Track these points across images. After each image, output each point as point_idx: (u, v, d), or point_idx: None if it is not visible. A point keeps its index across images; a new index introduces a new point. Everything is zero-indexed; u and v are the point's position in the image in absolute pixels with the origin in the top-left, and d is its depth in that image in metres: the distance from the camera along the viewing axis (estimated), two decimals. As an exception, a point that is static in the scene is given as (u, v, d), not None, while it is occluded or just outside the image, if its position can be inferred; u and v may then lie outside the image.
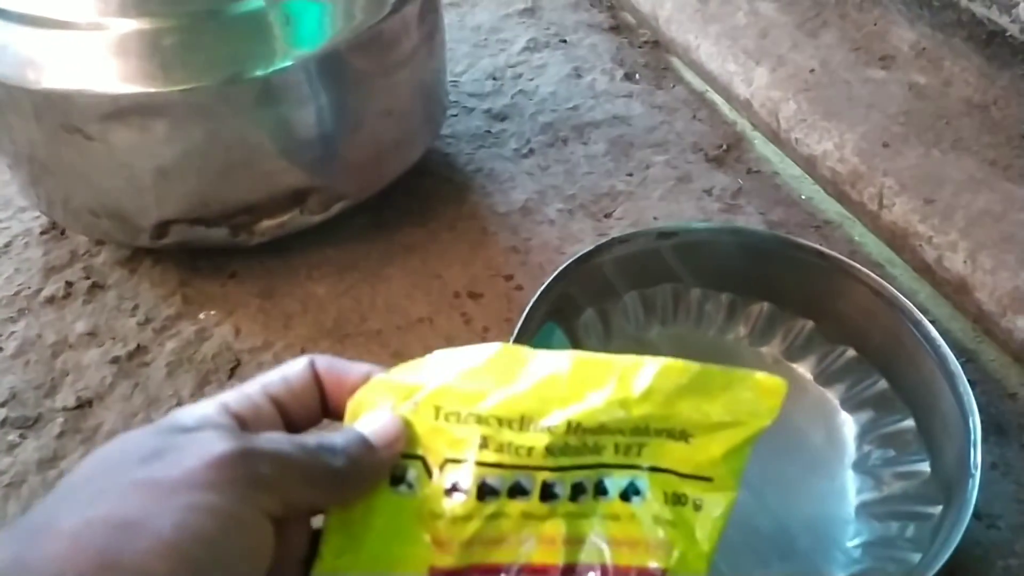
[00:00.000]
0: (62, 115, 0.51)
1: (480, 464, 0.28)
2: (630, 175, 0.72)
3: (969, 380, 0.45)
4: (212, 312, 0.60)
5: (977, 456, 0.42)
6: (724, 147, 0.75)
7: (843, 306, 0.52)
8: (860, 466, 0.49)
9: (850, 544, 0.46)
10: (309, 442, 0.27)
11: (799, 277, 0.54)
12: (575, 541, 0.29)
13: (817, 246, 0.54)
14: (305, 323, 0.60)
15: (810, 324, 0.54)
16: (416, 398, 0.29)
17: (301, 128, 0.55)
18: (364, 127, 0.58)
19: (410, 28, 0.58)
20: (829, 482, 0.49)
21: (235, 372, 0.56)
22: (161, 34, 0.49)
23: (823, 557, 0.46)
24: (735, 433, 0.30)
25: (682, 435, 0.30)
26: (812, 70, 0.72)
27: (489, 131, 0.77)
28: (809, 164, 0.69)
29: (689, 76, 0.85)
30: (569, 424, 0.29)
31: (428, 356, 0.30)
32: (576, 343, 0.52)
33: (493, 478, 0.29)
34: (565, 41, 0.89)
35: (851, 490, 0.49)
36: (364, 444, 0.28)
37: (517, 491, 0.29)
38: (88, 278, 0.62)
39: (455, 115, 0.78)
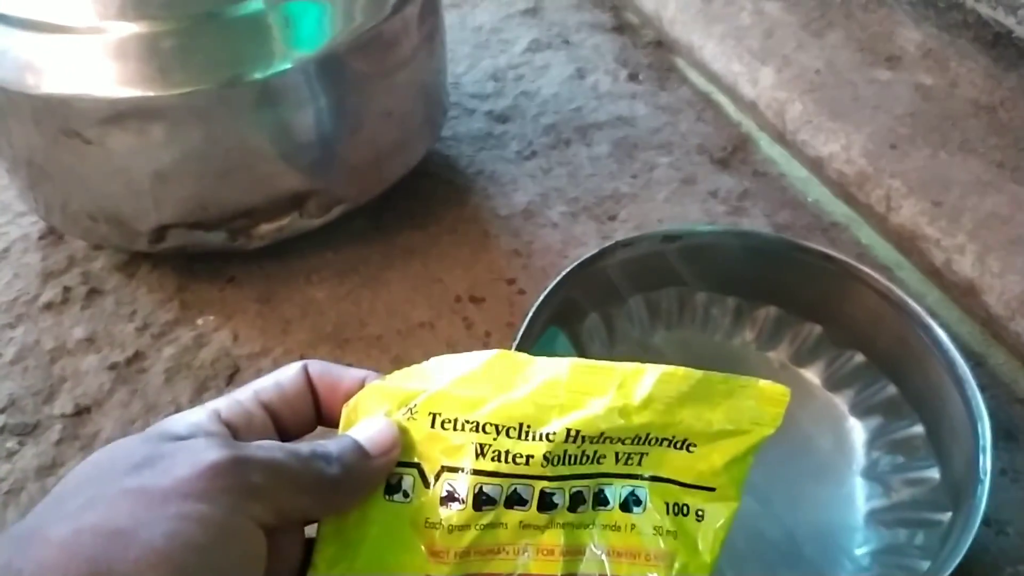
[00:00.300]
0: (61, 119, 0.50)
1: (477, 472, 0.28)
2: (634, 177, 0.71)
3: (978, 384, 0.45)
4: (210, 317, 0.60)
5: (986, 462, 0.42)
6: (729, 149, 0.75)
7: (851, 310, 0.52)
8: (868, 473, 0.49)
9: (858, 551, 0.46)
10: (302, 450, 0.26)
11: (806, 281, 0.53)
12: (574, 551, 0.29)
13: (824, 249, 0.53)
14: (304, 328, 0.59)
15: (817, 328, 0.53)
16: (412, 405, 0.29)
17: (300, 131, 0.54)
18: (364, 129, 0.58)
19: (410, 29, 0.57)
20: (837, 489, 0.49)
21: (234, 378, 0.56)
22: (160, 37, 0.49)
23: (831, 564, 0.45)
24: (737, 442, 0.30)
25: (683, 444, 0.30)
26: (818, 71, 0.72)
27: (491, 133, 0.76)
28: (816, 166, 0.69)
29: (694, 77, 0.84)
30: (568, 432, 0.28)
31: (425, 362, 0.30)
32: (580, 348, 0.52)
33: (490, 487, 0.28)
34: (568, 42, 0.88)
35: (859, 497, 0.48)
36: (359, 452, 0.27)
37: (515, 500, 0.29)
38: (86, 283, 0.62)
39: (456, 117, 0.77)
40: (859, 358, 0.52)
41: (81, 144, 0.51)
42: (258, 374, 0.55)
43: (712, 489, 0.30)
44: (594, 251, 0.52)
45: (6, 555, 0.22)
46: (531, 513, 0.29)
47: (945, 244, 0.58)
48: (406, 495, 0.28)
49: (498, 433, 0.28)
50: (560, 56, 0.86)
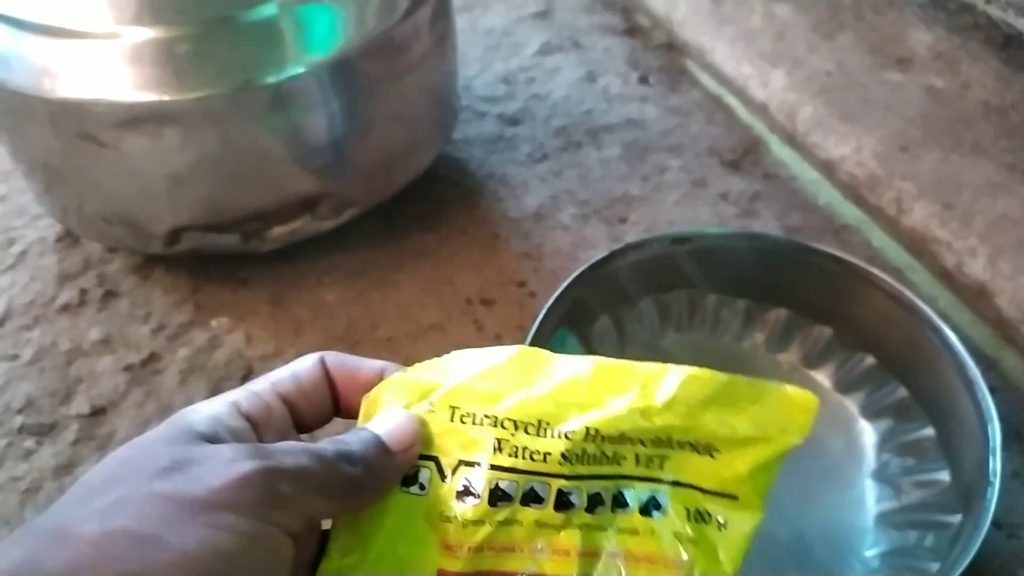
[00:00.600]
0: (77, 123, 0.51)
1: (494, 468, 0.28)
2: (645, 180, 0.72)
3: (989, 387, 0.45)
4: (224, 319, 0.60)
5: (996, 464, 0.42)
6: (740, 151, 0.75)
7: (861, 312, 0.52)
8: (879, 475, 0.49)
9: (868, 553, 0.46)
10: (327, 452, 0.26)
11: (817, 283, 0.53)
12: (590, 553, 0.29)
13: (835, 251, 0.53)
14: (316, 330, 0.60)
15: (828, 331, 0.53)
16: (432, 398, 0.29)
17: (312, 134, 0.55)
18: (375, 132, 0.58)
19: (422, 33, 0.58)
20: (847, 491, 0.48)
21: (247, 379, 0.55)
22: (174, 42, 0.49)
23: (840, 566, 0.45)
24: (762, 449, 0.29)
25: (707, 449, 0.29)
26: (829, 73, 0.72)
27: (501, 135, 0.76)
28: (826, 168, 0.69)
29: (704, 79, 0.84)
30: (587, 430, 0.28)
31: (447, 355, 0.30)
32: (590, 350, 0.52)
33: (506, 483, 0.28)
34: (578, 44, 0.89)
35: (869, 499, 0.48)
36: (381, 449, 0.27)
37: (531, 498, 0.28)
38: (102, 286, 0.63)
39: (467, 120, 0.78)
40: (869, 360, 0.52)
41: (97, 148, 0.51)
42: (271, 375, 0.56)
43: (735, 497, 0.29)
44: (604, 253, 0.52)
45: (30, 550, 0.22)
46: (547, 512, 0.28)
47: (956, 247, 0.58)
48: (422, 488, 0.28)
49: (516, 429, 0.28)
50: (571, 59, 0.86)
